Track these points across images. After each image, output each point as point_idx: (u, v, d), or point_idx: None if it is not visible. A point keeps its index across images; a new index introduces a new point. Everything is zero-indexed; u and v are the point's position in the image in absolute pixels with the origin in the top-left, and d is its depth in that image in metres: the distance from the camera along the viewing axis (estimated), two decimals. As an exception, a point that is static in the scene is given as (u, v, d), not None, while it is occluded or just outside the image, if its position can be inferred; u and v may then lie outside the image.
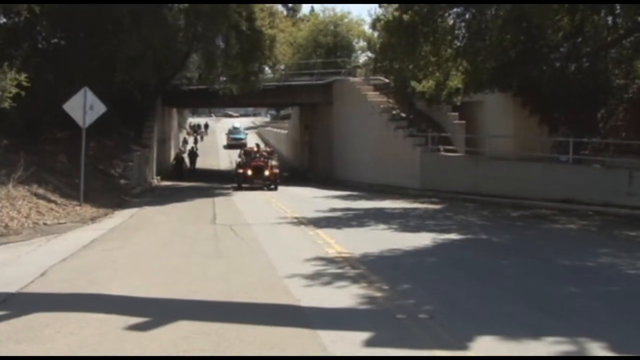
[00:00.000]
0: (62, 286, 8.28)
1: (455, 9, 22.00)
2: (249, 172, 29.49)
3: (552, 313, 7.05)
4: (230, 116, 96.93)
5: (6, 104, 16.26)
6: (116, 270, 9.47)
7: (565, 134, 22.47)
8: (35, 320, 6.47)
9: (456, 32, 22.61)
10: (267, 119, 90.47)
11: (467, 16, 22.11)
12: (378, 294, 7.88)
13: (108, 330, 6.12)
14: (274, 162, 31.08)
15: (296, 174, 42.59)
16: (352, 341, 5.91)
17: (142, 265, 9.96)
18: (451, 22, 22.61)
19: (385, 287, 8.28)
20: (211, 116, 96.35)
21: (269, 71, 35.90)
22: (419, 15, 21.11)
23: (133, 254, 11.15)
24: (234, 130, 72.37)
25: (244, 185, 29.23)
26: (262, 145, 40.52)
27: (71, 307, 7.03)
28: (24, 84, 16.57)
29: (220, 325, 6.33)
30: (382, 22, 22.98)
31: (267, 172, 29.49)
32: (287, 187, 30.39)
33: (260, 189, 28.86)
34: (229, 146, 66.60)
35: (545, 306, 7.35)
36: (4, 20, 21.13)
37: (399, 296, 7.79)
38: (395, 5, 22.99)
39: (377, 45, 27.38)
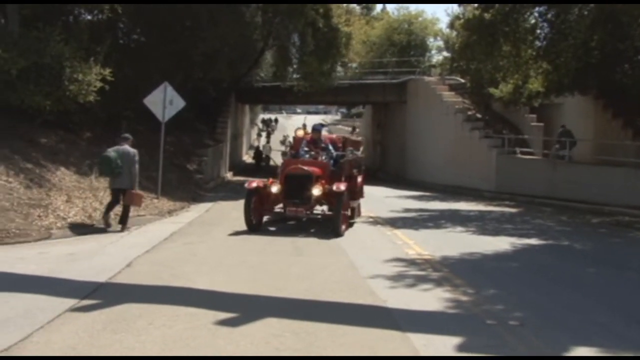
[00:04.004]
0: (148, 278, 8.42)
1: (537, 8, 21.50)
2: (274, 189, 13.44)
3: (653, 327, 6.76)
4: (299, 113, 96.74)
5: (91, 98, 16.70)
6: (198, 265, 9.56)
7: (563, 132, 23.33)
8: (127, 311, 6.58)
9: (537, 32, 22.11)
10: (338, 117, 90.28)
11: (549, 15, 21.58)
12: (464, 298, 7.73)
13: (199, 325, 6.15)
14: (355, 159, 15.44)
15: (367, 172, 42.15)
16: (443, 345, 5.81)
17: (223, 260, 10.03)
18: (533, 21, 22.12)
19: (471, 291, 8.12)
20: (282, 113, 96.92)
21: (341, 69, 35.72)
22: (500, 14, 20.70)
23: (213, 248, 11.26)
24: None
25: (265, 219, 14.17)
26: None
27: (160, 299, 7.12)
28: (108, 78, 17.00)
29: (309, 324, 6.29)
30: (462, 20, 22.60)
31: (315, 190, 13.10)
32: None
33: (298, 225, 14.22)
34: None
35: (642, 319, 7.07)
36: (89, 17, 21.65)
37: (486, 301, 7.64)
38: (476, 4, 22.62)
39: (456, 45, 26.91)
